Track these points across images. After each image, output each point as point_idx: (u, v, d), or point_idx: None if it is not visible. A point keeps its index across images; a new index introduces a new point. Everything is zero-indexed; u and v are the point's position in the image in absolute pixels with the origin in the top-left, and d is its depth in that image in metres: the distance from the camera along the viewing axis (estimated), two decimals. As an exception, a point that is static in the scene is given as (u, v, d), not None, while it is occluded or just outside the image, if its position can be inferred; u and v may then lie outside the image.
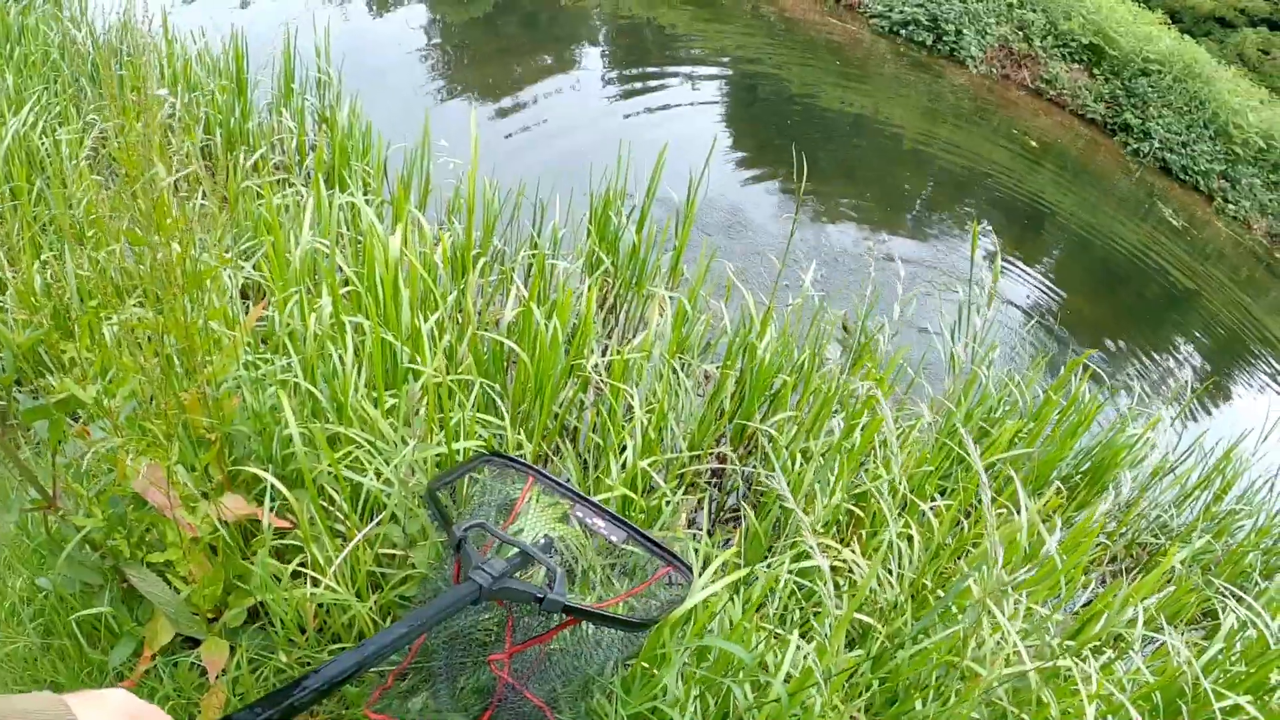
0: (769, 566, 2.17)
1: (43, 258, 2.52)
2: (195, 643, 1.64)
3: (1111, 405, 4.86)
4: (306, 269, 2.19)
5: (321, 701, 0.70)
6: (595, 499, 1.42)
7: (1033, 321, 5.80)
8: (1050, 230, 8.93)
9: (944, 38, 11.16)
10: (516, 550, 1.20)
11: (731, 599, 1.77)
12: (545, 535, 1.42)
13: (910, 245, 6.77)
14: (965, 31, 11.19)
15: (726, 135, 7.87)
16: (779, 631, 1.82)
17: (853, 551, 2.27)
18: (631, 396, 2.45)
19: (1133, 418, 3.94)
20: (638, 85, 8.16)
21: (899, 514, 2.49)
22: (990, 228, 7.63)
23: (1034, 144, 10.47)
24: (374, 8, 8.13)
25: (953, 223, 7.86)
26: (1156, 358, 7.17)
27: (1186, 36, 13.29)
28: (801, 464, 2.60)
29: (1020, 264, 7.43)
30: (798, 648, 1.67)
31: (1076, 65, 11.63)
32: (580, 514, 1.39)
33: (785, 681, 1.52)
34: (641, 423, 2.36)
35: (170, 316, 1.36)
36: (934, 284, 6.01)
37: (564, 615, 1.13)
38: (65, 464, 1.69)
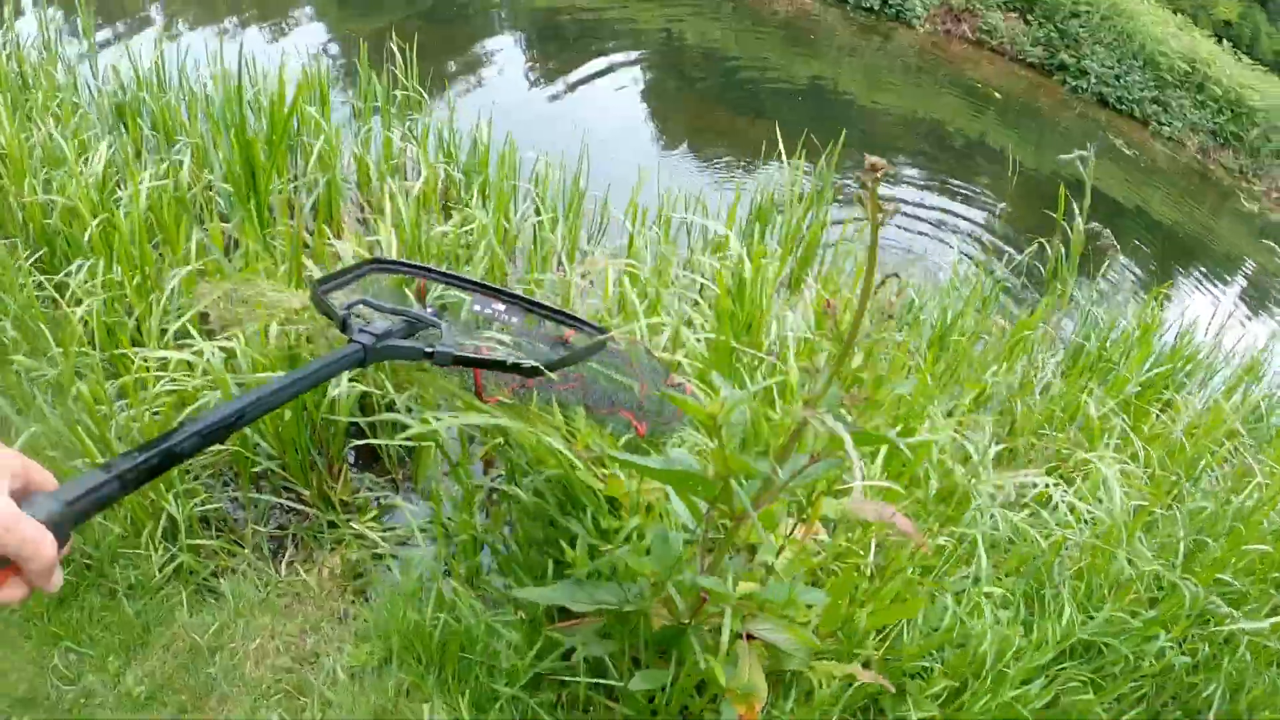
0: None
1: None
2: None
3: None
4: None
5: (202, 450, 0.75)
6: (491, 283, 1.39)
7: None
8: (999, 165, 9.25)
9: (889, 1, 11.50)
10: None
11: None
12: (431, 307, 1.37)
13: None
14: (908, -9, 11.56)
15: (676, 116, 7.79)
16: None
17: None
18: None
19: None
20: (581, 72, 7.87)
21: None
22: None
23: (997, 95, 10.92)
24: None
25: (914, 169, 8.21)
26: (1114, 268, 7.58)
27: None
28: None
29: (985, 203, 7.78)
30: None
31: (1012, 14, 12.14)
32: (479, 305, 1.37)
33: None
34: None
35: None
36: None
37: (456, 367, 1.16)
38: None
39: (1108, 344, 3.85)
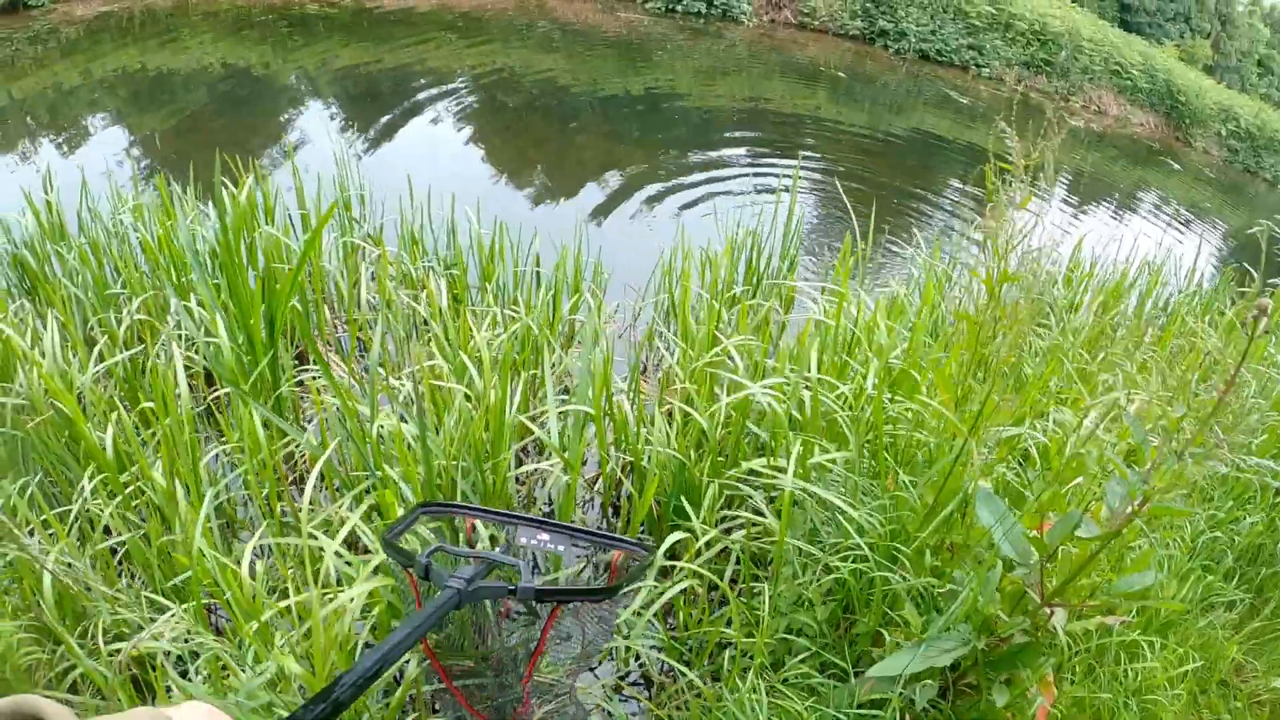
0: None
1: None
2: None
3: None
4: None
5: (356, 696, 0.89)
6: (531, 515, 1.57)
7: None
8: (837, 130, 9.59)
9: (714, 3, 11.68)
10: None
11: None
12: (500, 546, 1.55)
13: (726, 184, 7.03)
14: (731, -10, 11.80)
15: (523, 152, 7.47)
16: None
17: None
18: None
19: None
20: (409, 125, 7.53)
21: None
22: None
23: (841, 75, 11.27)
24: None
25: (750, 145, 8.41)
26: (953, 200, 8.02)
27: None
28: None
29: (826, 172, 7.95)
30: None
31: (828, -8, 12.65)
32: (524, 538, 1.48)
33: None
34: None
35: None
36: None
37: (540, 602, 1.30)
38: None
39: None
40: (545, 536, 1.48)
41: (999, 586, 1.74)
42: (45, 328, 2.56)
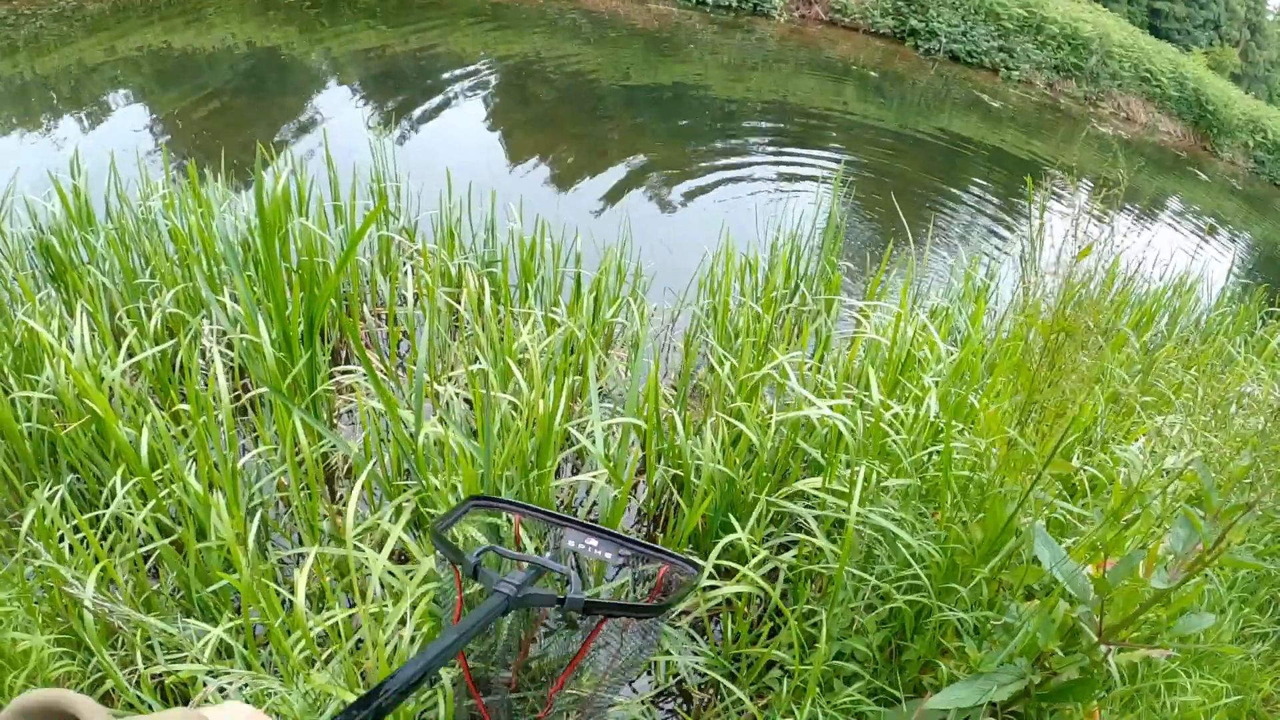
0: None
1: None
2: None
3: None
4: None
5: (400, 703, 0.86)
6: (584, 520, 1.51)
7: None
8: (863, 133, 9.45)
9: (745, -3, 11.58)
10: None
11: None
12: (548, 551, 1.53)
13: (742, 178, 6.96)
14: (762, -16, 11.66)
15: (549, 144, 7.24)
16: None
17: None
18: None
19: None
20: (437, 112, 7.44)
21: None
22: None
23: (872, 73, 11.13)
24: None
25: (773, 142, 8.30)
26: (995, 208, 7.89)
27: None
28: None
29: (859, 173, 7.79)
30: None
31: (859, -11, 12.51)
32: (572, 541, 1.46)
33: None
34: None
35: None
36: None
37: (586, 615, 1.27)
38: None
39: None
40: (594, 542, 1.45)
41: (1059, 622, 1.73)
42: (73, 318, 2.49)
